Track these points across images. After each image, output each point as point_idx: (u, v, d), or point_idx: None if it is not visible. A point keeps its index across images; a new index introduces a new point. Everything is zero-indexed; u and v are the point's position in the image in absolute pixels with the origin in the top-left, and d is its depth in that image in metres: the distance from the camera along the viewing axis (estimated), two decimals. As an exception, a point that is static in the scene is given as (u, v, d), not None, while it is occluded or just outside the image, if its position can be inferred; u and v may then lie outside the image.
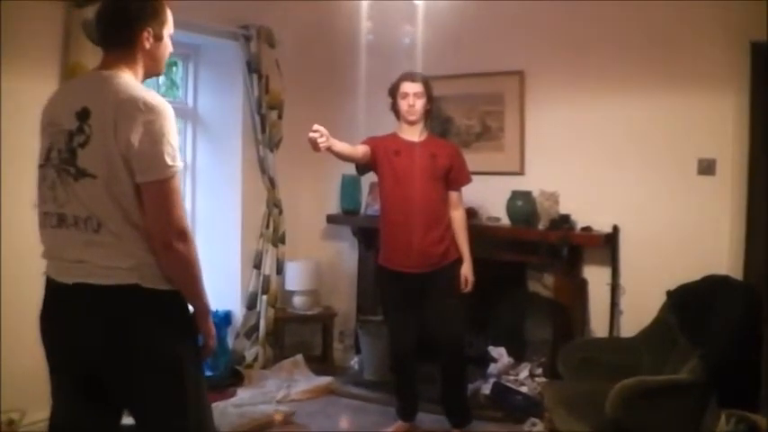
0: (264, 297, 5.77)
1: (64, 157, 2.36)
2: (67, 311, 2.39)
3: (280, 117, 5.79)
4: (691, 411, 3.73)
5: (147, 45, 2.48)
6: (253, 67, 5.56)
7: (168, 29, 2.57)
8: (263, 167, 5.77)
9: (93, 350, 2.35)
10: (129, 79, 2.42)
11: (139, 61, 2.49)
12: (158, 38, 2.52)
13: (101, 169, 2.30)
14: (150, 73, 2.55)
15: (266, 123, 5.68)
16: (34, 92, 2.59)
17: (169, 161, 2.32)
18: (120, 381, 2.42)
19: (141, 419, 2.52)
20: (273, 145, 5.75)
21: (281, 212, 5.89)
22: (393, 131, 4.57)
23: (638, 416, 3.66)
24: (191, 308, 2.54)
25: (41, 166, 2.44)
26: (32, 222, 2.54)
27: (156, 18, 2.51)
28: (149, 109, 2.31)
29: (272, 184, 5.80)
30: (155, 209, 2.34)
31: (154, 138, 2.29)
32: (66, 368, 2.46)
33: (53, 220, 2.42)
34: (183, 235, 2.37)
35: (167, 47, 2.59)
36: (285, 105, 5.81)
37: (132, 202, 2.33)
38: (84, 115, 2.32)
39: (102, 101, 2.32)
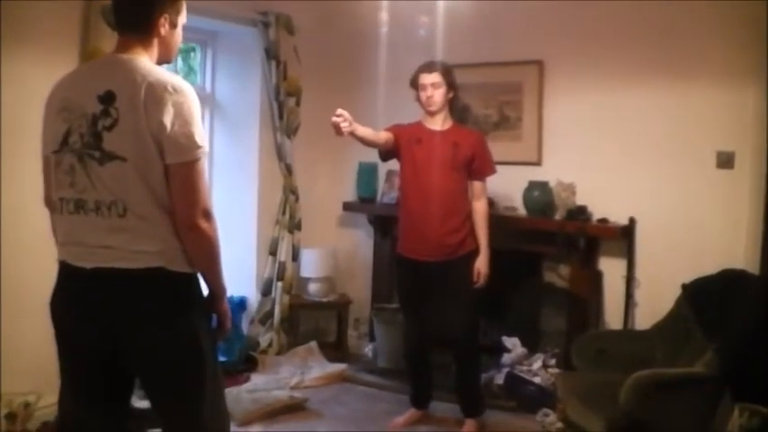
0: (280, 283, 5.79)
1: (87, 141, 2.36)
2: (88, 296, 2.39)
3: (297, 104, 5.80)
4: (704, 405, 3.72)
5: (163, 31, 2.50)
6: (271, 53, 5.56)
7: (182, 17, 2.60)
8: (280, 154, 5.78)
9: (115, 333, 2.37)
10: (150, 63, 2.45)
11: (154, 47, 2.51)
12: (173, 25, 2.55)
13: (131, 152, 2.31)
14: (162, 60, 2.56)
15: (284, 110, 5.69)
16: (53, 79, 2.58)
17: (199, 141, 2.36)
18: (139, 363, 2.45)
19: (157, 401, 2.55)
20: (291, 132, 5.76)
21: (297, 199, 5.91)
22: (419, 120, 4.57)
23: (652, 408, 3.66)
24: (205, 291, 2.57)
25: (56, 152, 2.44)
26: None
27: (173, 5, 2.54)
28: (177, 91, 2.34)
29: (288, 170, 5.81)
30: (183, 189, 2.36)
31: (185, 119, 2.33)
32: (80, 352, 2.47)
33: (70, 205, 2.42)
34: (208, 215, 2.41)
35: (180, 36, 2.62)
36: (303, 92, 5.81)
37: (162, 184, 2.35)
38: (108, 98, 2.33)
39: (129, 84, 2.33)
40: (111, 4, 2.60)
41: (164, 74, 2.40)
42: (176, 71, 5.56)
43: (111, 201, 2.35)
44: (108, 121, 2.33)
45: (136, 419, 3.04)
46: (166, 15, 2.50)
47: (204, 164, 2.41)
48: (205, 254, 2.47)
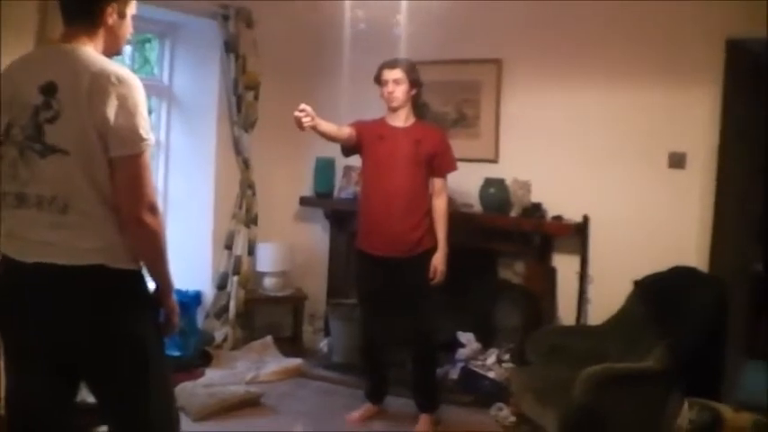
0: (235, 278, 5.76)
1: (28, 134, 2.31)
2: (28, 291, 2.34)
3: (256, 98, 5.76)
4: (656, 399, 3.81)
5: (111, 21, 2.44)
6: (230, 46, 5.53)
7: (132, 8, 2.54)
8: (237, 148, 5.76)
9: (55, 329, 2.33)
10: (94, 53, 2.38)
11: (101, 37, 2.44)
12: (122, 15, 2.48)
13: (73, 145, 2.27)
14: (109, 52, 2.48)
15: (242, 104, 5.66)
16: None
17: (144, 134, 2.32)
18: (82, 360, 2.40)
19: (103, 400, 2.51)
20: (249, 126, 5.74)
21: (254, 193, 5.88)
22: (382, 116, 4.60)
23: (605, 402, 3.72)
24: (152, 286, 2.54)
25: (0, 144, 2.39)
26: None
27: None
28: (122, 82, 2.29)
29: (245, 164, 5.79)
30: (128, 183, 2.32)
31: (129, 111, 2.28)
32: (23, 347, 2.43)
33: (12, 199, 2.37)
34: (154, 209, 2.37)
35: (129, 26, 2.55)
36: (262, 86, 5.79)
37: (106, 178, 2.31)
38: (50, 90, 2.28)
39: (71, 75, 2.28)
40: None
41: (108, 64, 2.34)
42: (131, 62, 5.52)
43: (52, 196, 2.30)
44: (49, 114, 2.28)
45: (87, 415, 3.01)
46: (114, 5, 2.44)
47: (149, 156, 2.37)
48: (151, 249, 2.43)
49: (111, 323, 2.35)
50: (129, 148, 2.29)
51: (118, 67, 2.35)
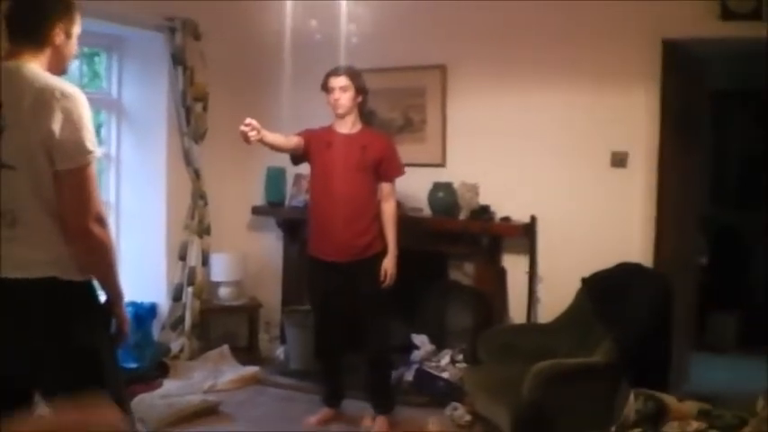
0: (190, 289, 5.77)
1: None
2: None
3: (205, 109, 5.79)
4: (603, 392, 3.90)
5: (58, 41, 2.48)
6: (177, 59, 5.55)
7: (77, 28, 2.57)
8: (187, 159, 5.77)
9: (8, 342, 2.35)
10: (38, 69, 2.41)
11: (47, 56, 2.47)
12: (68, 35, 2.52)
13: (20, 161, 2.30)
14: (55, 70, 2.51)
15: (191, 115, 5.68)
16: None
17: (90, 147, 2.36)
18: (36, 373, 2.42)
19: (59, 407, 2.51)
20: (198, 137, 5.76)
21: (206, 204, 5.90)
22: (330, 124, 4.65)
23: (554, 397, 3.81)
24: (102, 297, 2.57)
25: None
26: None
27: (68, 15, 2.52)
28: (65, 96, 2.33)
29: (197, 175, 5.81)
30: (74, 195, 2.35)
31: (74, 125, 2.32)
32: None
33: None
34: (102, 220, 2.42)
35: (74, 46, 2.59)
36: (210, 97, 5.81)
37: (52, 191, 2.34)
38: None
39: (15, 91, 2.31)
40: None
41: (51, 80, 2.38)
42: (79, 77, 5.51)
43: (1, 210, 2.33)
44: None
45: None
46: (61, 25, 2.48)
47: (95, 168, 2.41)
48: (99, 259, 2.47)
49: (64, 335, 2.37)
50: (75, 160, 2.33)
51: (61, 83, 2.39)
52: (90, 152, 2.36)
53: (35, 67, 2.41)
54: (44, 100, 2.30)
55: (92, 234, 2.38)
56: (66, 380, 2.43)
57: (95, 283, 2.54)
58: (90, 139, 2.37)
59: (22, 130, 2.29)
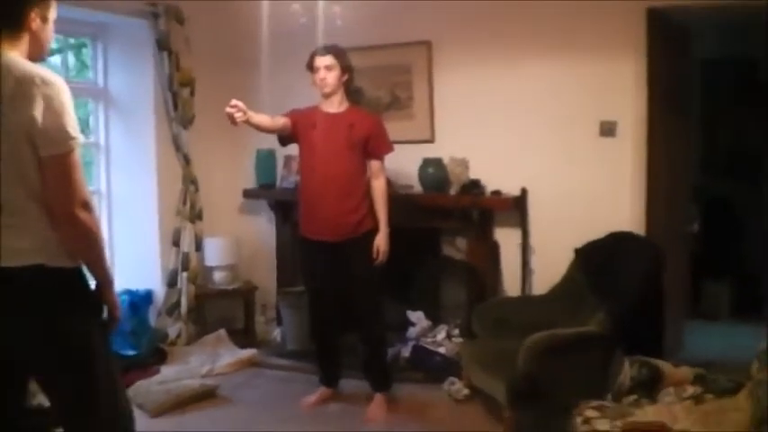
0: (185, 274, 5.78)
1: None
2: None
3: (192, 94, 5.78)
4: (598, 361, 3.92)
5: (35, 26, 2.46)
6: (162, 44, 5.52)
7: (53, 13, 2.56)
8: (177, 145, 5.76)
9: (1, 332, 2.36)
10: (18, 58, 2.40)
11: (24, 42, 2.46)
12: (44, 20, 2.51)
13: (3, 149, 2.30)
14: (34, 57, 2.50)
15: (178, 101, 5.66)
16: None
17: (72, 133, 2.36)
18: (28, 362, 2.44)
19: (53, 401, 2.54)
20: (186, 122, 5.75)
21: (197, 189, 5.89)
22: (316, 104, 4.64)
23: (549, 368, 3.84)
24: (92, 283, 2.57)
25: None
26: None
27: (43, 0, 2.50)
28: (47, 83, 2.32)
29: (186, 161, 5.80)
30: (58, 181, 2.35)
31: (56, 111, 2.32)
32: None
33: None
34: (87, 205, 2.41)
35: (51, 31, 2.57)
36: (197, 82, 5.80)
37: (37, 179, 2.35)
38: None
39: None
40: None
41: (31, 67, 2.37)
42: (64, 68, 5.50)
43: None
44: None
45: (39, 417, 3.04)
46: (37, 10, 2.46)
47: (78, 154, 2.41)
48: (86, 245, 2.47)
49: (54, 322, 2.38)
50: (58, 146, 2.33)
51: (42, 70, 2.38)
52: (73, 138, 2.36)
53: (15, 55, 2.40)
54: (25, 88, 2.29)
55: (78, 220, 2.38)
56: (57, 367, 2.44)
57: (85, 270, 2.53)
58: (72, 126, 2.37)
59: (3, 119, 2.28)
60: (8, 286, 2.34)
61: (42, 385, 2.54)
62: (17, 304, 2.35)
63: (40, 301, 2.37)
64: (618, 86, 4.94)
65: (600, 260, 4.58)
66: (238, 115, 4.01)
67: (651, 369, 3.74)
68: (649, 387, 3.68)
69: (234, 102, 4.03)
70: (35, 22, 2.47)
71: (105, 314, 2.60)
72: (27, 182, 2.34)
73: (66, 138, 2.34)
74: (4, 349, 2.39)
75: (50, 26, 2.56)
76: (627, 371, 3.76)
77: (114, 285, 2.64)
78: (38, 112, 2.29)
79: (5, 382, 2.50)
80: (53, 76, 2.38)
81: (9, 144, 2.30)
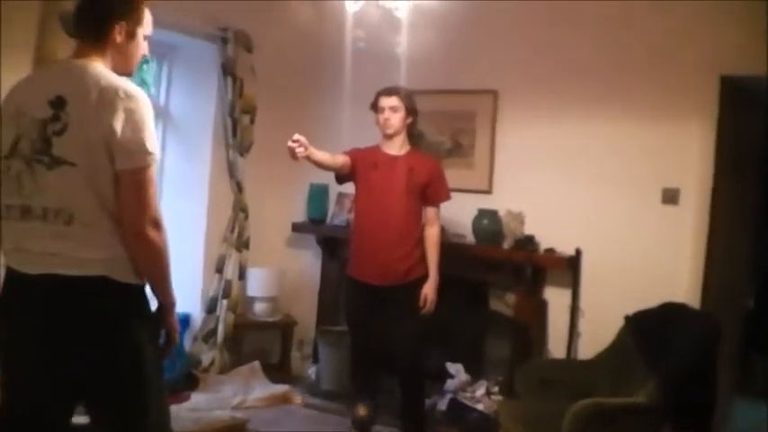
0: (225, 302, 5.72)
1: (37, 147, 2.34)
2: (31, 303, 2.35)
3: (252, 122, 5.77)
4: (645, 434, 3.79)
5: (118, 39, 2.48)
6: (228, 70, 5.54)
7: (144, 29, 2.57)
8: (231, 171, 5.75)
9: (56, 342, 2.32)
10: (104, 69, 2.42)
11: (108, 55, 2.48)
12: (131, 35, 2.51)
13: (80, 157, 2.30)
14: (120, 70, 2.51)
15: (238, 127, 5.66)
16: (8, 82, 2.56)
17: (150, 148, 2.34)
18: (81, 372, 2.38)
19: (98, 417, 2.48)
20: (244, 149, 5.74)
21: (246, 217, 5.86)
22: (377, 144, 4.60)
23: (594, 437, 3.71)
24: (154, 304, 2.53)
25: (6, 158, 2.41)
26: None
27: (130, 14, 2.51)
28: (129, 96, 2.32)
29: (239, 188, 5.78)
30: (132, 196, 2.34)
31: (136, 125, 2.31)
32: (22, 359, 2.40)
33: (16, 212, 2.39)
34: (157, 224, 2.38)
35: (140, 47, 2.58)
36: (258, 110, 5.79)
37: (111, 190, 2.33)
38: (59, 104, 2.32)
39: (80, 88, 2.32)
40: (70, 12, 2.58)
41: (116, 79, 2.38)
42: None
43: (58, 208, 2.32)
44: (57, 126, 2.31)
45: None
46: (123, 24, 2.47)
47: (155, 171, 2.39)
48: (153, 263, 2.44)
49: (111, 335, 2.35)
50: (135, 161, 2.32)
51: (126, 83, 2.39)
52: (150, 153, 2.35)
53: (101, 66, 2.42)
54: (107, 98, 2.30)
55: (147, 237, 2.35)
56: (109, 381, 2.39)
57: (148, 290, 2.50)
58: (151, 141, 2.36)
59: (84, 128, 2.29)
60: (69, 293, 2.31)
61: (89, 397, 2.47)
62: (75, 314, 2.31)
63: (100, 311, 2.34)
64: (683, 152, 4.84)
65: (652, 329, 4.44)
66: (300, 150, 3.98)
67: (701, 448, 3.60)
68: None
69: (296, 136, 4.00)
70: (120, 36, 2.48)
71: (163, 338, 2.56)
72: (102, 194, 2.33)
73: (144, 152, 2.33)
74: (62, 358, 2.34)
75: (139, 41, 2.56)
76: (675, 447, 3.62)
77: (176, 309, 2.60)
78: (118, 124, 2.28)
79: (62, 395, 2.43)
80: (137, 89, 2.38)
81: (87, 153, 2.30)
